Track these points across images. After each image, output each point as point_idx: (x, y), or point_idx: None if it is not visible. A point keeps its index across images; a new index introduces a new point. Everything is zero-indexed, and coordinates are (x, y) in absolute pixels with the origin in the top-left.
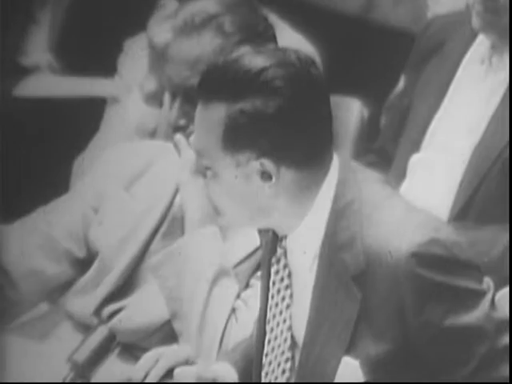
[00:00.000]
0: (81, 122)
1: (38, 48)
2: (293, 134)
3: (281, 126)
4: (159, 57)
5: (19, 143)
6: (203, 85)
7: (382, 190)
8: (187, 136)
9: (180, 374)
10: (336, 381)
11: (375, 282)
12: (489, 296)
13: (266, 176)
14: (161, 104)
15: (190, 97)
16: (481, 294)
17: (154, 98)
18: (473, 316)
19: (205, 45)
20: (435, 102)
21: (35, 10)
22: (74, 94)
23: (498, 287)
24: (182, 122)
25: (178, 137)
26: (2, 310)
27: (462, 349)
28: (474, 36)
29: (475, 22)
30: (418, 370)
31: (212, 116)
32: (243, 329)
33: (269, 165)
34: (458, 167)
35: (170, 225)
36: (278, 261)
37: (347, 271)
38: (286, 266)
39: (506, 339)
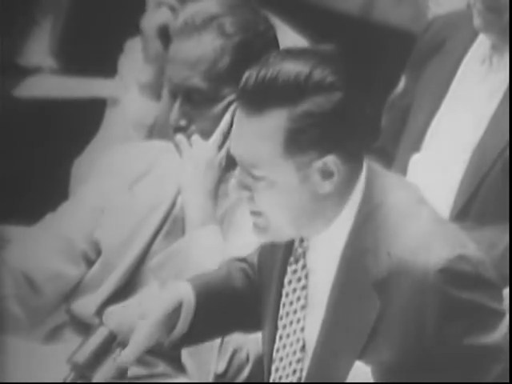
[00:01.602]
0: (81, 123)
1: (39, 49)
2: (352, 126)
3: (341, 118)
4: (153, 44)
5: (18, 144)
6: (249, 96)
7: (409, 196)
8: (188, 136)
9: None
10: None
11: (397, 291)
12: (507, 317)
13: (326, 174)
14: (158, 96)
15: (190, 97)
16: (501, 315)
17: (151, 89)
18: (492, 337)
19: (205, 45)
20: (436, 102)
21: (35, 12)
22: (74, 95)
23: None
24: (183, 122)
25: (179, 137)
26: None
27: (477, 367)
28: (474, 36)
29: (476, 21)
30: (430, 382)
31: (267, 124)
32: None
33: (334, 161)
34: (458, 167)
35: (172, 225)
36: (297, 260)
37: (368, 277)
38: (304, 266)
39: None
